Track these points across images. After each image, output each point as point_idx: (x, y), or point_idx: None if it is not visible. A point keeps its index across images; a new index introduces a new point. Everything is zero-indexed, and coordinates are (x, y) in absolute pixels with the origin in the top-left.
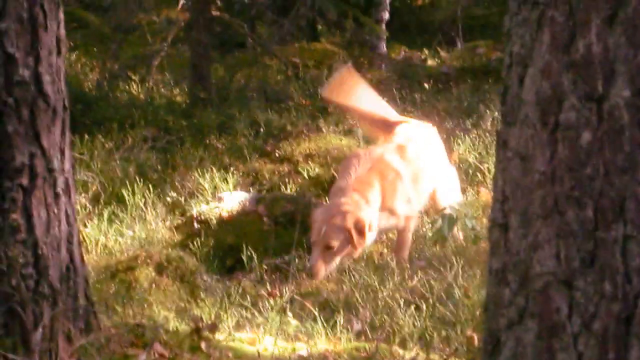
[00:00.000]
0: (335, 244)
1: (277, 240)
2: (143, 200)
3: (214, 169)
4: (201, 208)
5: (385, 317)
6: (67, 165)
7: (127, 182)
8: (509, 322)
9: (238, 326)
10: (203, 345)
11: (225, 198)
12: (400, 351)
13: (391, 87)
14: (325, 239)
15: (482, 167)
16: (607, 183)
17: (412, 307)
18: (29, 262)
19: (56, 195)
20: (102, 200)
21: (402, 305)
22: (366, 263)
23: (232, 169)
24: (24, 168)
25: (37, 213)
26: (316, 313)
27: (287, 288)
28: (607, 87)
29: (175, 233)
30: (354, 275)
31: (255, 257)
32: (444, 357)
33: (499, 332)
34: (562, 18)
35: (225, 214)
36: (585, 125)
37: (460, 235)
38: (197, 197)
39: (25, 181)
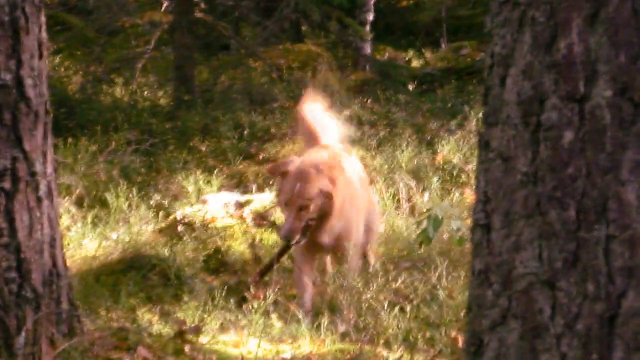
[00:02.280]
0: (311, 204)
1: (260, 242)
2: (127, 203)
3: (198, 171)
4: (185, 210)
5: (370, 318)
6: (50, 169)
7: (111, 185)
8: (492, 323)
9: (222, 329)
10: (187, 348)
11: (209, 200)
12: (385, 352)
13: (375, 88)
14: (301, 197)
15: (466, 168)
16: (590, 183)
17: (397, 308)
18: (12, 266)
19: (39, 199)
20: (85, 204)
21: (386, 307)
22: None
23: (216, 171)
24: (6, 172)
25: (19, 217)
26: (300, 315)
27: (270, 290)
28: (588, 87)
29: (160, 236)
30: (338, 278)
31: (238, 259)
32: (429, 358)
33: (482, 333)
34: (543, 18)
35: (209, 216)
36: (567, 125)
37: (445, 237)
38: (182, 199)
39: (7, 185)
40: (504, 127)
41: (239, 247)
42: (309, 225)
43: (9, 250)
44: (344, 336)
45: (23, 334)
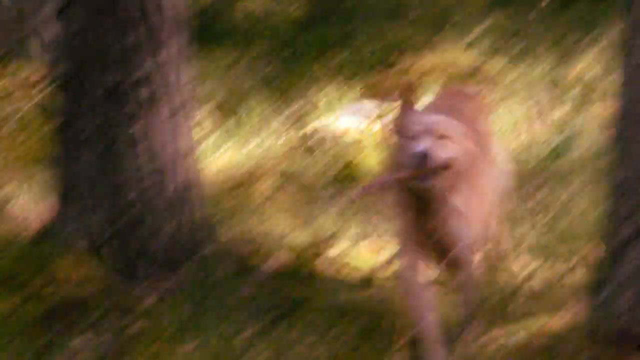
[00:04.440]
0: (454, 132)
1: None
2: (262, 114)
3: (333, 82)
4: (320, 122)
5: (506, 231)
6: (187, 78)
7: (247, 96)
8: (629, 236)
9: (358, 237)
10: (323, 256)
11: (344, 112)
12: (522, 265)
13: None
14: (440, 125)
15: (605, 82)
16: None
17: (533, 220)
18: (149, 174)
19: (175, 110)
20: (220, 115)
21: (523, 219)
22: None
23: (351, 82)
24: (144, 81)
25: (156, 125)
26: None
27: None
28: None
29: (294, 146)
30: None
31: (372, 172)
32: (565, 271)
33: (619, 246)
34: None
35: (344, 128)
36: None
37: (582, 150)
38: (316, 111)
39: (145, 94)
40: None
41: (372, 160)
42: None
43: (146, 158)
44: None
45: (160, 240)
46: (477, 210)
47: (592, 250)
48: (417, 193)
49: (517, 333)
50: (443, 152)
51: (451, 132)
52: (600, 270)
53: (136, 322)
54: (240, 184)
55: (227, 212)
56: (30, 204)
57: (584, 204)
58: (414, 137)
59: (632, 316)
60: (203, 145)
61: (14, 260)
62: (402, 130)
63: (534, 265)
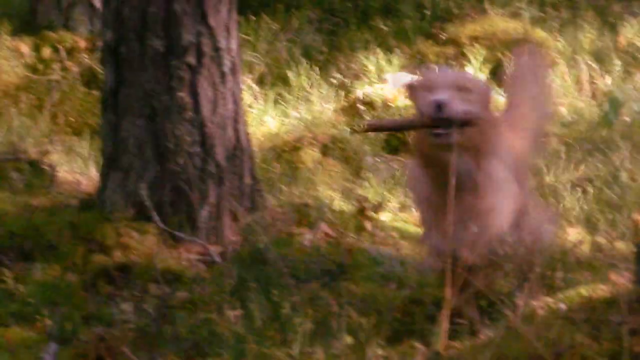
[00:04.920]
0: (473, 86)
1: None
2: (308, 81)
3: (378, 50)
4: (366, 90)
5: (551, 199)
6: (234, 45)
7: (292, 64)
8: None
9: (403, 207)
10: (368, 225)
11: (390, 80)
12: (566, 233)
13: None
14: (459, 78)
15: None
16: None
17: (578, 190)
18: (196, 141)
19: (222, 75)
20: (267, 82)
21: (568, 189)
22: None
23: (397, 50)
24: (191, 47)
25: (203, 92)
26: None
27: None
28: None
29: (340, 115)
30: None
31: None
32: (610, 240)
33: None
34: None
35: (390, 96)
36: None
37: (627, 119)
38: (362, 78)
39: (192, 60)
40: None
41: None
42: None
43: (193, 125)
44: None
45: (206, 208)
46: (506, 181)
47: (638, 220)
48: (438, 158)
49: (565, 302)
50: (462, 104)
51: (472, 85)
52: None
53: (182, 290)
54: (287, 151)
55: (274, 179)
56: (77, 172)
57: (630, 174)
58: (432, 89)
59: None
60: (250, 113)
61: (61, 228)
62: (423, 83)
63: (580, 234)
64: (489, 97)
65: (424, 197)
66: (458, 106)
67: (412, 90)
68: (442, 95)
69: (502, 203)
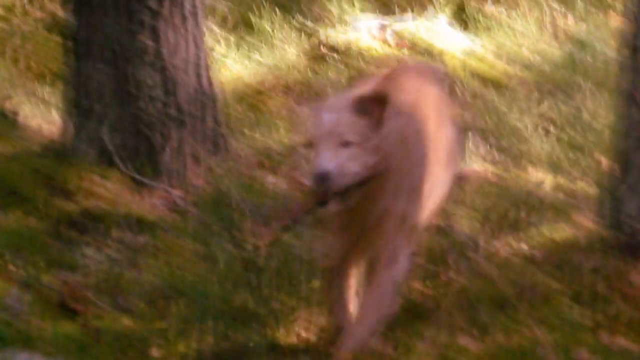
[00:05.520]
0: (354, 137)
1: None
2: (271, 25)
3: None
4: (329, 32)
5: (514, 140)
6: None
7: (255, 7)
8: (638, 142)
9: None
10: None
11: (352, 22)
12: (529, 174)
13: None
14: (340, 128)
15: None
16: None
17: (541, 131)
18: (157, 85)
19: (184, 18)
20: (230, 25)
21: (530, 129)
22: (495, 88)
23: None
24: None
25: (164, 35)
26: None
27: None
28: None
29: (304, 58)
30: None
31: None
32: (572, 180)
33: (628, 152)
34: None
35: (352, 39)
36: None
37: (589, 60)
38: (325, 21)
39: (153, 3)
40: None
41: (382, 70)
42: (356, 183)
43: (154, 68)
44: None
45: (168, 151)
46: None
47: (602, 161)
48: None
49: (527, 242)
50: (350, 164)
51: (357, 135)
52: (609, 180)
53: (145, 234)
54: (251, 95)
55: (237, 123)
56: (39, 118)
57: (594, 113)
58: (315, 145)
59: None
60: (213, 57)
61: (23, 174)
62: (310, 131)
63: (544, 175)
64: (384, 120)
65: (330, 231)
66: (343, 173)
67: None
68: (322, 163)
69: (402, 243)
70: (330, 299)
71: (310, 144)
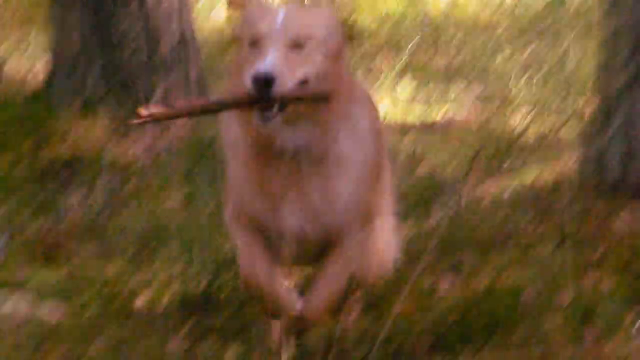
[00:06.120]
0: (318, 34)
1: None
2: None
3: None
4: None
5: (498, 85)
6: None
7: None
8: (622, 87)
9: None
10: None
11: None
12: (513, 119)
13: None
14: (300, 27)
15: None
16: None
17: (526, 75)
18: (140, 35)
19: None
20: None
21: (514, 74)
22: (480, 35)
23: None
24: None
25: None
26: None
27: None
28: None
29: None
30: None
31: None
32: (557, 123)
33: (612, 97)
34: None
35: None
36: None
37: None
38: None
39: None
40: None
41: None
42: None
43: (137, 18)
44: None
45: (152, 100)
46: (358, 160)
47: (586, 103)
48: (260, 134)
49: (511, 184)
50: (297, 70)
51: (317, 32)
52: (593, 122)
53: (129, 181)
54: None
55: (221, 72)
56: (23, 65)
57: (577, 57)
58: (258, 44)
59: (625, 166)
60: (197, 7)
61: (8, 120)
62: (246, 29)
63: (528, 118)
64: (341, 46)
65: (241, 161)
66: (289, 79)
67: (235, 31)
68: (268, 64)
69: (349, 187)
70: (253, 273)
71: (250, 42)
